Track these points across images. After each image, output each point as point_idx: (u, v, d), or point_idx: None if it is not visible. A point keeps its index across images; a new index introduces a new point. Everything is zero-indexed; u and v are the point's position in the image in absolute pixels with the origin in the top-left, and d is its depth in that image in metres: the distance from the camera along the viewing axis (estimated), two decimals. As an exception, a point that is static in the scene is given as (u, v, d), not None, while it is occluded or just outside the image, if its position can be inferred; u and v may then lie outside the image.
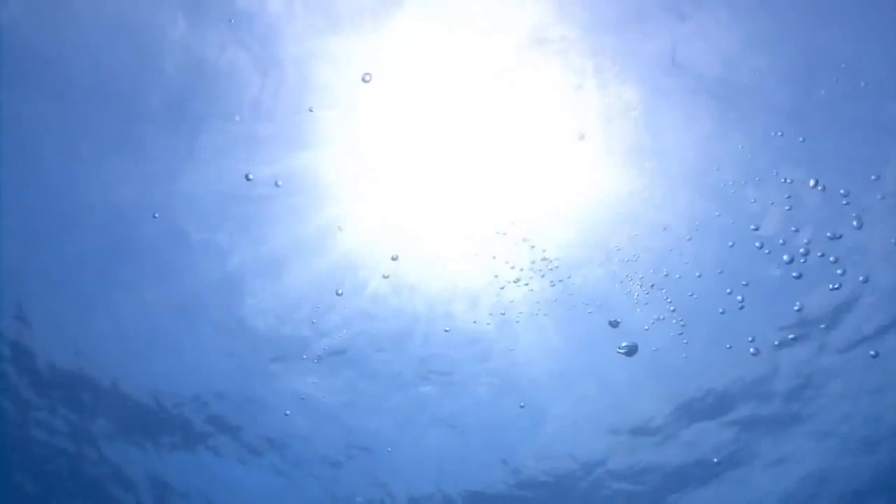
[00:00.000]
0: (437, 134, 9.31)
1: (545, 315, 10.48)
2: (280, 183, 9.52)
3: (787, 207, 9.09)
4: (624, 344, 10.24)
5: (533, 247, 9.78)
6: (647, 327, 10.28)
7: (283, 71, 8.80)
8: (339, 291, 10.44)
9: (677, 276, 9.91)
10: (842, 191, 8.87)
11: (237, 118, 9.20)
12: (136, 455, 12.63)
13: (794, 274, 9.55)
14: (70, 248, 10.54)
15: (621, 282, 9.98)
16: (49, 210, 10.25)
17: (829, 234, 9.17)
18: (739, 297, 9.87)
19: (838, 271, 9.52)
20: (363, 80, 8.59)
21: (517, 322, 10.64)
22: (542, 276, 10.00)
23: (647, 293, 10.01)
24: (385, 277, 10.37)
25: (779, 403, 11.32)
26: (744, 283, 9.82)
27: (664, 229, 9.64)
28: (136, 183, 9.89)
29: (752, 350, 10.44)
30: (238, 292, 10.93)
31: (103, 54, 8.85)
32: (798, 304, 9.94)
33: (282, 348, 11.46)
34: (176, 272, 10.78)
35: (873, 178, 8.75)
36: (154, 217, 10.02)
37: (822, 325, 10.17)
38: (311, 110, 8.97)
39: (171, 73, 8.92)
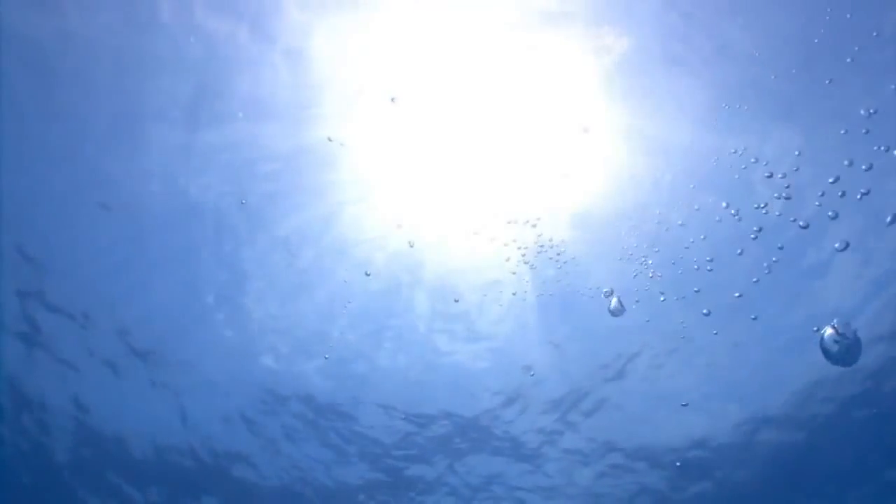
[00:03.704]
0: (444, 128, 9.94)
1: (550, 295, 11.38)
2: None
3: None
4: (613, 304, 11.05)
5: (540, 234, 10.64)
6: (638, 300, 11.19)
7: (302, 64, 9.25)
8: (368, 272, 11.21)
9: (666, 252, 10.88)
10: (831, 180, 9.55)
11: (240, 115, 9.76)
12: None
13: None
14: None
15: (619, 259, 10.93)
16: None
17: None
18: (708, 268, 10.81)
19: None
20: (391, 99, 9.33)
21: (524, 301, 11.51)
22: (549, 258, 10.87)
23: (638, 268, 10.93)
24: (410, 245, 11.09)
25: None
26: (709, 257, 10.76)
27: (657, 212, 10.59)
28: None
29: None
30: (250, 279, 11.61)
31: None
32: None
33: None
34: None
35: (864, 167, 9.36)
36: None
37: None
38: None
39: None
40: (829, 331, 9.79)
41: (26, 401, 12.79)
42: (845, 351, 9.77)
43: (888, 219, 9.78)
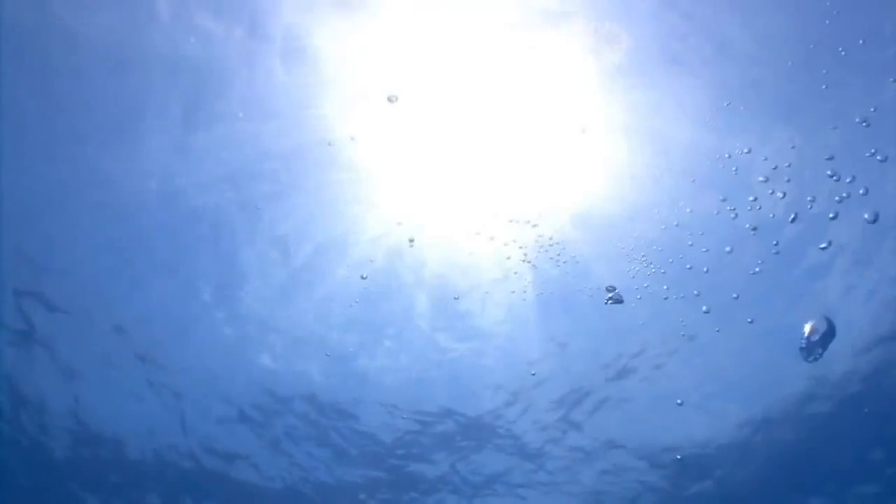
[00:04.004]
0: (444, 127, 9.95)
1: (551, 294, 11.38)
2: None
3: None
4: (610, 295, 11.06)
5: (541, 234, 10.64)
6: (640, 297, 11.19)
7: (301, 63, 9.27)
8: (364, 275, 11.19)
9: (667, 251, 10.88)
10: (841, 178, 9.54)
11: (240, 114, 9.79)
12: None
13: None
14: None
15: (619, 258, 10.93)
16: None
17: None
18: (709, 268, 10.83)
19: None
20: (389, 100, 9.32)
21: (524, 300, 11.51)
22: (550, 257, 10.88)
23: (638, 267, 10.94)
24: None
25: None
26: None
27: (656, 211, 10.58)
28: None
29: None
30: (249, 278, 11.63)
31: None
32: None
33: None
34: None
35: (864, 167, 9.36)
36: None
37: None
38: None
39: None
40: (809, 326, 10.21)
41: (24, 400, 12.79)
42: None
43: (881, 219, 9.76)
